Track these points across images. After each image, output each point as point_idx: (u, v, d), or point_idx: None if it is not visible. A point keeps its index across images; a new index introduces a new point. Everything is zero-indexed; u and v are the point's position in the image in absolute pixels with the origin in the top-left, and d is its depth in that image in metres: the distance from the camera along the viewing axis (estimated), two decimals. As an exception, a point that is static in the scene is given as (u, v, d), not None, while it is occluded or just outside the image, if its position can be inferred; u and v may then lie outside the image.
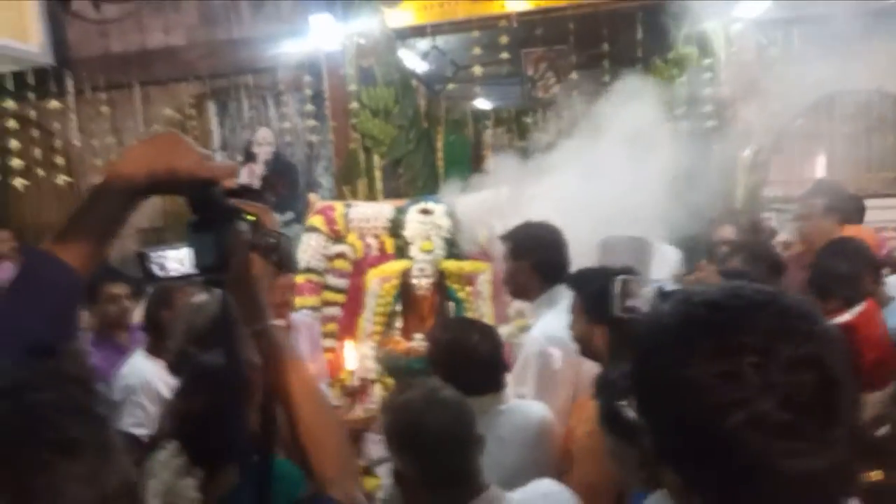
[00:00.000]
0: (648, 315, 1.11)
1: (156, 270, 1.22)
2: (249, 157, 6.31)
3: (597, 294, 2.02)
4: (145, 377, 2.70)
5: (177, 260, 1.22)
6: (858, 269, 2.64)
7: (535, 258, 2.64)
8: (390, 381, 3.39)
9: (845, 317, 2.42)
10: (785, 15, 5.40)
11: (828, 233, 3.45)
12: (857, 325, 2.33)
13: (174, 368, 2.20)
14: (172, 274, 1.20)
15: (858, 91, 5.64)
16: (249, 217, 1.17)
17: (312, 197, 4.19)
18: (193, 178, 1.08)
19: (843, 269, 2.61)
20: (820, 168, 6.25)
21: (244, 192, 1.17)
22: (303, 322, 3.29)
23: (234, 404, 1.25)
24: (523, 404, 2.19)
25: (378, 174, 5.59)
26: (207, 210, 1.11)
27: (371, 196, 5.46)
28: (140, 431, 2.51)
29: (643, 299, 1.82)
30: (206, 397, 1.62)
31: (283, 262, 1.22)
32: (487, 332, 2.19)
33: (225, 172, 1.11)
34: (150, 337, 2.86)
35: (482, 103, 8.28)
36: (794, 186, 6.25)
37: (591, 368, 2.15)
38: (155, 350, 2.78)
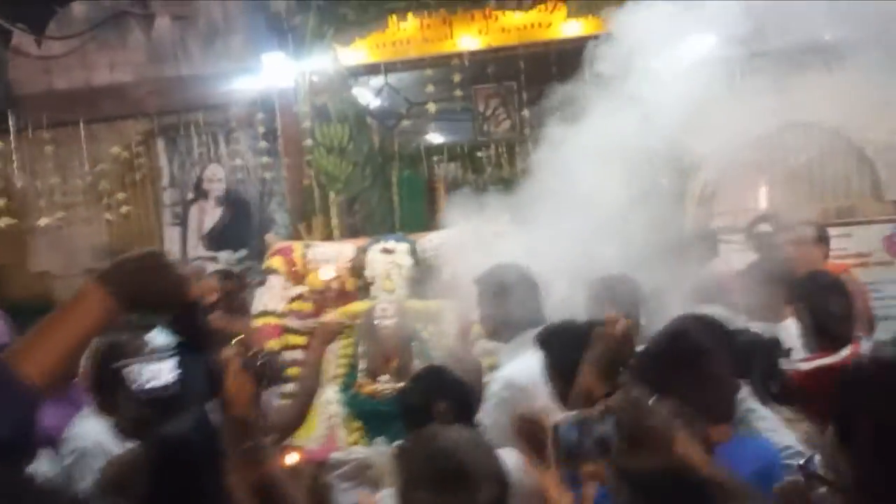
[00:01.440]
0: None
1: (133, 383, 1.18)
2: (200, 193, 6.20)
3: (566, 357, 2.02)
4: (96, 438, 2.54)
5: (155, 372, 1.18)
6: (851, 310, 2.62)
7: (508, 302, 2.64)
8: (356, 424, 3.33)
9: (832, 359, 2.41)
10: (731, 52, 5.60)
11: (814, 262, 3.47)
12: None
13: (128, 433, 2.11)
14: (150, 387, 1.16)
15: (803, 124, 5.86)
16: (235, 340, 1.17)
17: (270, 237, 4.14)
18: (177, 300, 1.07)
19: (839, 309, 2.58)
20: (766, 198, 6.45)
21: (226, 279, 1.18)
22: None
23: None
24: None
25: (334, 210, 5.56)
26: (192, 332, 1.10)
27: (327, 233, 5.42)
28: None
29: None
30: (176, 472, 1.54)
31: (273, 381, 1.22)
32: (460, 388, 2.14)
33: (208, 290, 1.12)
34: (97, 396, 2.69)
35: (435, 138, 8.35)
36: (741, 217, 6.44)
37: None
38: (104, 408, 2.63)
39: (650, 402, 1.36)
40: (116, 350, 2.64)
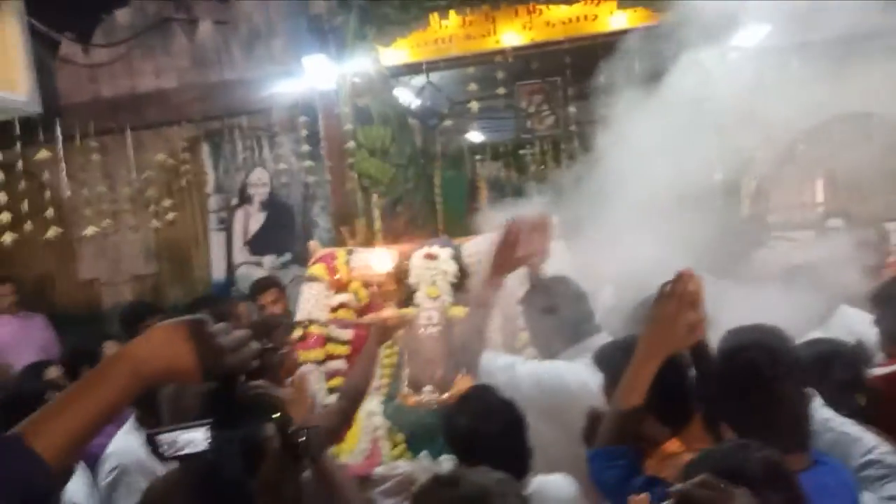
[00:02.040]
0: None
1: (166, 450, 1.14)
2: (245, 198, 6.21)
3: (621, 375, 1.88)
4: (137, 455, 2.50)
5: (189, 441, 1.13)
6: None
7: (556, 317, 2.51)
8: (400, 437, 3.25)
9: None
10: (782, 42, 5.36)
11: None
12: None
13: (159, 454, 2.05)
14: (184, 453, 1.12)
15: (857, 115, 5.58)
16: (276, 416, 1.11)
17: (312, 244, 4.08)
18: (215, 374, 0.99)
19: None
20: (820, 193, 6.19)
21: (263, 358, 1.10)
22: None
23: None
24: (549, 487, 2.02)
25: (377, 214, 5.48)
26: (229, 407, 1.04)
27: (370, 236, 5.35)
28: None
29: None
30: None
31: (314, 457, 1.16)
32: (512, 415, 2.02)
33: (246, 363, 1.03)
34: (137, 409, 2.66)
35: (477, 137, 8.24)
36: (796, 213, 6.18)
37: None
38: (145, 422, 2.59)
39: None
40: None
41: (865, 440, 1.91)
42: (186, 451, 1.10)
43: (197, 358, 1.00)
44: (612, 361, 2.08)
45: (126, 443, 2.56)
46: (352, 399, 2.64)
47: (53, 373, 3.15)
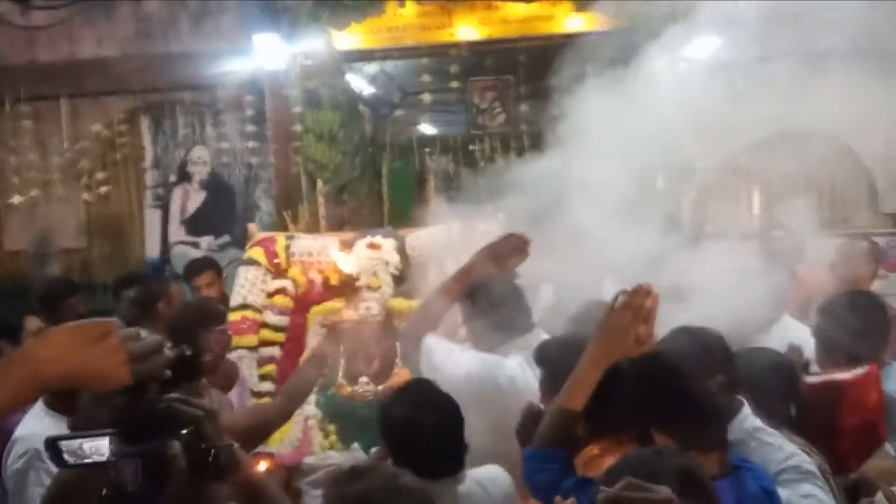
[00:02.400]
0: None
1: (68, 458, 1.10)
2: (184, 176, 6.03)
3: (564, 374, 1.88)
4: None
5: (94, 448, 1.09)
6: (872, 328, 2.54)
7: (494, 311, 2.51)
8: (332, 427, 3.19)
9: (844, 375, 2.33)
10: (731, 56, 5.48)
11: (862, 281, 3.40)
12: (853, 386, 2.26)
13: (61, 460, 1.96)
14: (90, 461, 1.08)
15: (801, 132, 5.75)
16: (185, 431, 1.07)
17: (252, 227, 3.98)
18: (116, 384, 0.94)
19: (858, 325, 2.48)
20: (759, 207, 6.35)
21: (182, 365, 1.06)
22: None
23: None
24: (484, 481, 2.01)
25: (321, 200, 5.39)
26: (136, 419, 1.00)
27: (313, 223, 5.25)
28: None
29: None
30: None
31: (225, 474, 1.12)
32: (449, 407, 2.00)
33: (156, 374, 0.98)
34: (51, 392, 2.52)
35: (427, 129, 8.19)
36: (733, 223, 6.34)
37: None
38: (57, 405, 2.46)
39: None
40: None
41: (786, 449, 1.96)
42: (89, 460, 1.05)
43: (101, 364, 0.95)
44: (552, 359, 2.08)
45: (35, 427, 2.42)
46: (294, 398, 2.59)
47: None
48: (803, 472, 1.87)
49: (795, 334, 3.05)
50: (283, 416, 2.57)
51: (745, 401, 2.02)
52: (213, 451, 1.14)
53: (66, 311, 3.48)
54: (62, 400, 2.45)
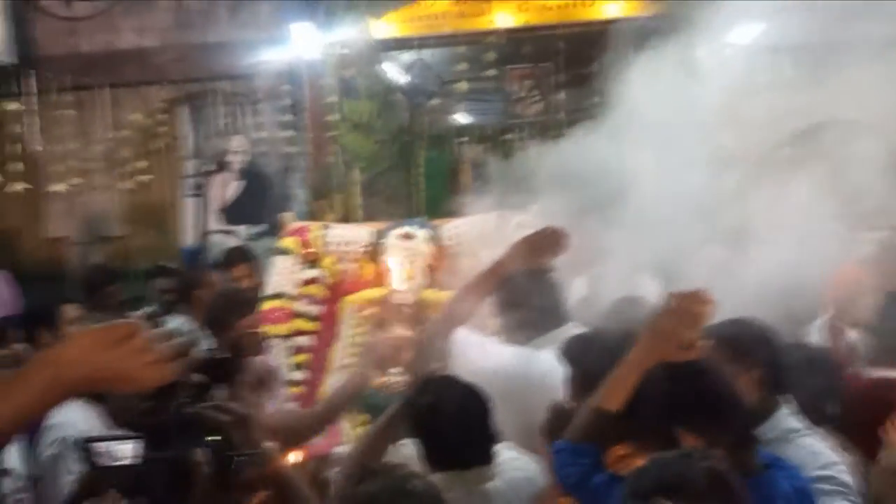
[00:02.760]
0: None
1: (98, 459, 1.10)
2: (222, 165, 6.07)
3: (591, 371, 1.83)
4: (80, 428, 2.38)
5: (122, 452, 1.10)
6: None
7: (524, 313, 2.47)
8: (362, 417, 3.17)
9: None
10: (775, 42, 5.32)
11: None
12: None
13: (120, 420, 1.98)
14: (120, 463, 1.08)
15: (845, 122, 5.57)
16: (213, 438, 1.05)
17: (286, 216, 3.98)
18: (142, 385, 0.93)
19: None
20: (802, 197, 6.17)
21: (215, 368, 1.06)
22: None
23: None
24: (515, 477, 1.96)
25: (356, 190, 5.38)
26: (161, 425, 0.99)
27: (348, 212, 5.25)
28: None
29: None
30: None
31: (251, 484, 1.10)
32: (476, 396, 1.97)
33: (169, 375, 0.96)
34: None
35: (462, 118, 8.11)
36: (775, 215, 6.17)
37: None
38: (92, 393, 2.49)
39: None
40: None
41: (823, 456, 1.89)
42: (118, 462, 1.05)
43: (126, 366, 0.93)
44: (579, 355, 2.03)
45: (69, 415, 2.44)
46: (335, 410, 2.55)
47: (12, 336, 3.03)
48: (838, 485, 1.82)
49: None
50: (320, 425, 2.54)
51: (784, 400, 1.95)
52: (239, 459, 1.12)
53: (105, 298, 3.53)
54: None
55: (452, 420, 1.88)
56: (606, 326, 2.37)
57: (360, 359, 2.63)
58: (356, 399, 2.61)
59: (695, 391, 1.65)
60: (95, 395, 2.44)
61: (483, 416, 1.93)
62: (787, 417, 1.94)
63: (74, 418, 2.41)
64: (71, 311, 3.02)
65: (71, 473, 2.28)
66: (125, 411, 1.97)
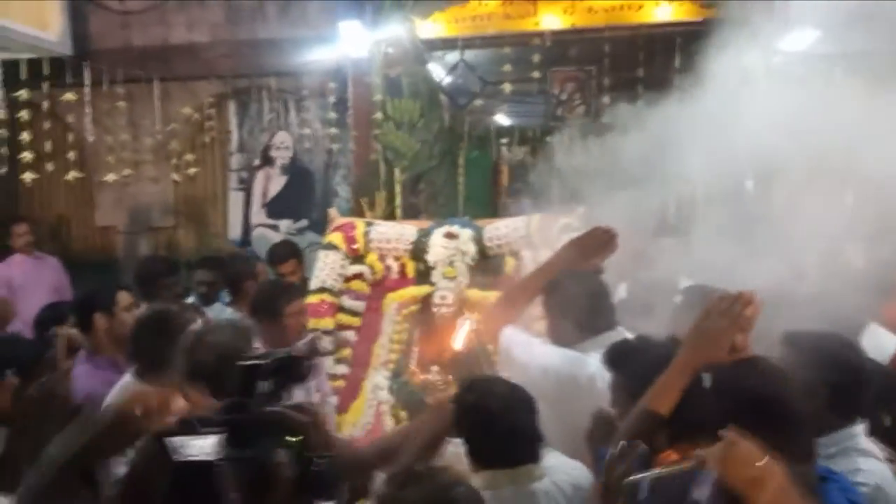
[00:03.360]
0: None
1: (173, 453, 1.10)
2: (267, 160, 6.16)
3: (636, 378, 1.82)
4: None
5: (198, 448, 1.10)
6: None
7: (572, 316, 2.45)
8: (404, 413, 3.20)
9: None
10: (829, 50, 5.22)
11: None
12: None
13: (163, 456, 2.01)
14: (191, 459, 1.08)
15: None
16: (293, 439, 1.06)
17: (332, 212, 4.01)
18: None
19: None
20: (851, 207, 6.05)
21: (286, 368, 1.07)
22: None
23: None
24: (562, 477, 1.96)
25: (398, 188, 5.41)
26: (242, 423, 1.00)
27: (389, 210, 5.29)
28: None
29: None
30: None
31: (329, 495, 1.10)
32: (521, 395, 1.98)
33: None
34: (140, 362, 2.62)
35: (505, 120, 8.11)
36: (823, 225, 6.05)
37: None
38: (145, 375, 2.55)
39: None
40: (163, 318, 2.58)
41: (871, 480, 1.81)
42: (194, 457, 1.06)
43: None
44: (623, 361, 2.02)
45: (126, 395, 2.52)
46: (386, 457, 2.37)
47: (68, 321, 3.11)
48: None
49: (885, 342, 2.89)
50: (374, 463, 2.36)
51: (855, 420, 1.90)
52: (322, 460, 1.13)
53: (162, 289, 3.60)
54: (151, 369, 2.53)
55: (499, 418, 1.88)
56: (678, 315, 2.40)
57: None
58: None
59: (746, 393, 1.63)
60: (151, 376, 2.51)
61: (529, 414, 1.93)
62: (854, 437, 1.89)
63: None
64: (125, 298, 3.08)
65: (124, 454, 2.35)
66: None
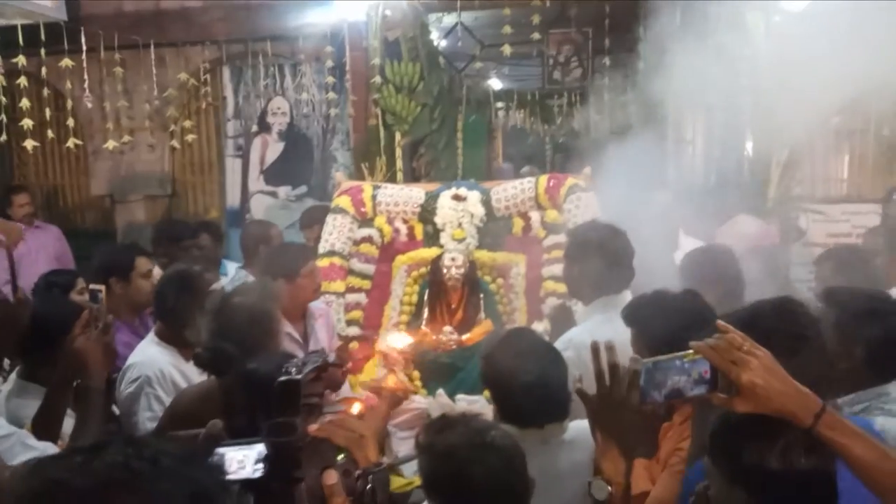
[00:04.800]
0: None
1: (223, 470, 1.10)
2: (264, 126, 6.10)
3: (658, 329, 1.85)
4: (160, 367, 2.49)
5: (239, 462, 1.09)
6: None
7: (590, 266, 2.46)
8: (416, 373, 3.24)
9: None
10: (828, 7, 5.19)
11: None
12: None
13: (204, 363, 2.04)
14: (233, 478, 1.07)
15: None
16: (340, 457, 1.06)
17: (339, 175, 4.01)
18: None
19: None
20: (850, 168, 6.09)
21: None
22: (318, 310, 3.15)
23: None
24: (585, 434, 1.99)
25: (398, 153, 5.39)
26: (288, 446, 1.03)
27: (390, 175, 5.27)
28: (155, 427, 2.33)
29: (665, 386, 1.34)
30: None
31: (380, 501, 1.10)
32: (551, 355, 1.98)
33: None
34: (163, 322, 2.65)
35: (503, 83, 8.05)
36: (823, 186, 6.10)
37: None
38: (167, 336, 2.58)
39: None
40: (187, 278, 2.59)
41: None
42: (236, 475, 1.05)
43: None
44: (643, 317, 2.05)
45: (149, 354, 2.55)
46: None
47: (80, 284, 3.12)
48: None
49: None
50: None
51: (889, 378, 1.91)
52: (370, 475, 1.13)
53: (183, 251, 3.62)
54: (173, 331, 2.56)
55: (530, 383, 1.89)
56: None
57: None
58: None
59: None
60: (172, 337, 2.53)
61: (560, 377, 1.94)
62: (884, 395, 1.88)
63: (153, 357, 2.50)
64: (144, 263, 3.09)
65: (148, 410, 2.38)
66: (216, 357, 2.04)
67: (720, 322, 1.32)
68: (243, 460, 1.08)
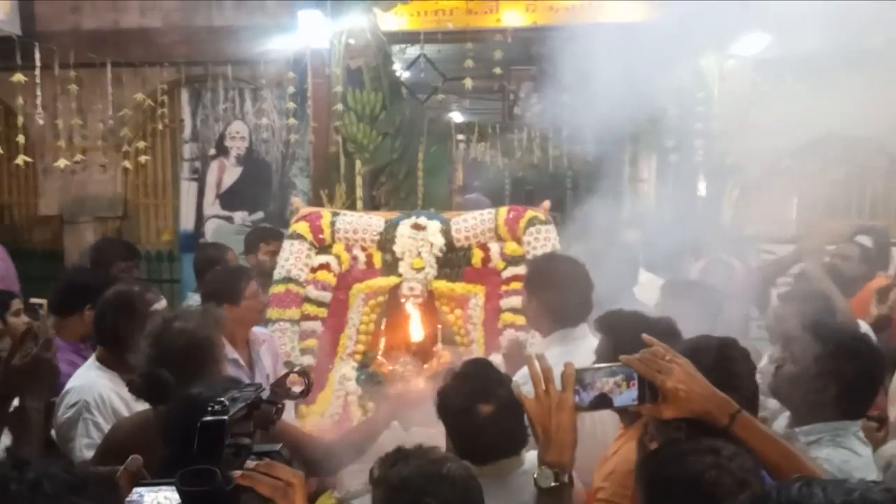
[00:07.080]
0: None
1: None
2: (221, 150, 6.03)
3: (629, 341, 1.84)
4: (100, 392, 2.38)
5: (156, 501, 1.05)
6: None
7: (550, 297, 2.46)
8: (371, 404, 3.18)
9: None
10: (780, 54, 5.37)
11: None
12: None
13: (139, 390, 1.96)
14: None
15: (848, 136, 5.64)
16: None
17: (296, 201, 3.95)
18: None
19: None
20: (799, 210, 6.26)
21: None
22: (262, 334, 3.08)
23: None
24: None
25: (358, 181, 5.37)
26: (210, 494, 0.97)
27: (350, 203, 5.24)
28: (92, 454, 2.22)
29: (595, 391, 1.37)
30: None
31: None
32: (505, 393, 1.92)
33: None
34: (102, 345, 2.54)
35: (464, 116, 8.13)
36: (773, 227, 6.25)
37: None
38: (107, 360, 2.48)
39: None
40: (126, 300, 2.50)
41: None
42: None
43: None
44: (615, 326, 2.07)
45: (88, 379, 2.43)
46: (350, 450, 2.29)
47: (16, 305, 3.00)
48: None
49: None
50: (352, 457, 2.31)
51: (852, 416, 1.93)
52: None
53: (119, 272, 3.51)
54: (113, 354, 2.46)
55: (486, 421, 1.84)
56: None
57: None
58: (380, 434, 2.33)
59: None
60: (112, 362, 2.44)
61: (516, 414, 1.88)
62: (841, 430, 1.88)
63: (92, 383, 2.40)
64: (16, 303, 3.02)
65: (86, 436, 2.27)
66: (152, 382, 1.96)
67: (646, 336, 1.44)
68: (163, 501, 1.03)
